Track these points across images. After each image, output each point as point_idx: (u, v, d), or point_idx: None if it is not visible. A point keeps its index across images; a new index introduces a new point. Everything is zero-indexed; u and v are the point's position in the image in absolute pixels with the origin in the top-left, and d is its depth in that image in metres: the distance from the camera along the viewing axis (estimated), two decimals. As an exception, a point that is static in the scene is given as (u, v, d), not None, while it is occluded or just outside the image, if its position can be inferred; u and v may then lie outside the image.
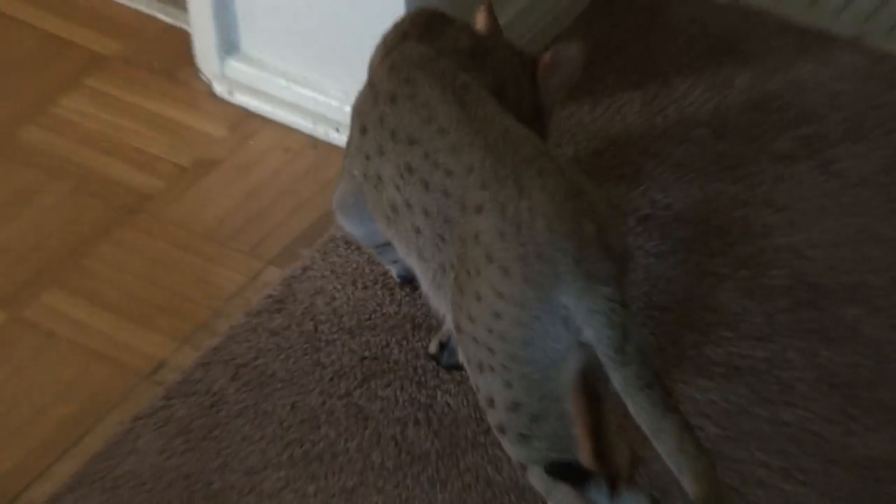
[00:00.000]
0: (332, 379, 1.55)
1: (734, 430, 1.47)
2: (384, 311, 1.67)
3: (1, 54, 2.07)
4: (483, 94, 1.34)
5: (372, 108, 1.42)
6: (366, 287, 1.76)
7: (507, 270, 1.19)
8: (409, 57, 1.42)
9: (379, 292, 1.73)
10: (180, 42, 2.00)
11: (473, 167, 1.26)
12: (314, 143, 1.91)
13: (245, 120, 1.95)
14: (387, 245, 1.49)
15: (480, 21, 1.51)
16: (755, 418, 1.48)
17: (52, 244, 1.77)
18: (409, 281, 1.60)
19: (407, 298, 1.66)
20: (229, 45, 1.99)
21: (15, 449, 1.43)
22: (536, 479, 1.30)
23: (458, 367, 1.44)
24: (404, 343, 1.59)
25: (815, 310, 1.65)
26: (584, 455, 1.28)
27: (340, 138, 1.73)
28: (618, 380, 1.15)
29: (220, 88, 1.97)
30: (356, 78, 1.58)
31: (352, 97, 1.58)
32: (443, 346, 1.55)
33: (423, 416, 1.52)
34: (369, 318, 1.67)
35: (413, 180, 1.31)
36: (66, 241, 1.79)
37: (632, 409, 1.15)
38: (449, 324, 1.38)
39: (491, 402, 1.27)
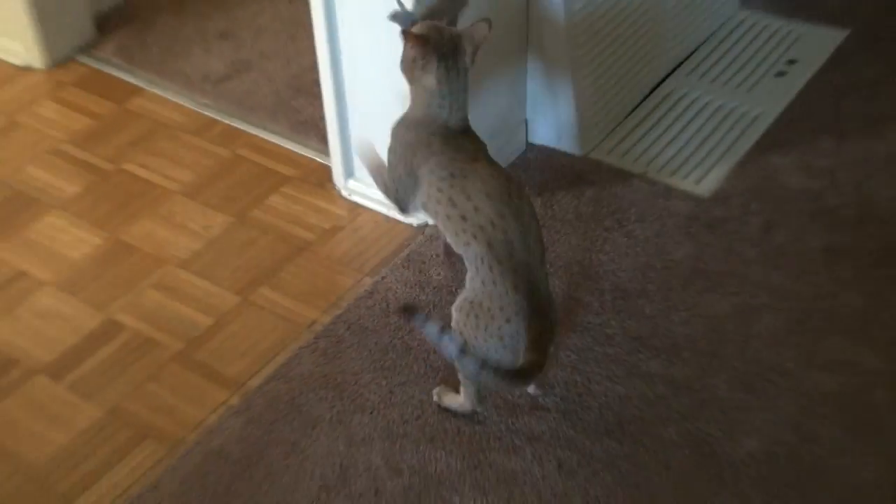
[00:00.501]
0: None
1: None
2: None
3: (237, 176, 2.74)
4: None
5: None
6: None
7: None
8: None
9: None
10: (326, 169, 2.66)
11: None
12: (386, 219, 2.55)
13: (357, 208, 2.60)
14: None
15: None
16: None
17: (259, 259, 2.47)
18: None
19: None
20: (349, 171, 2.63)
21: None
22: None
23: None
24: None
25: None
26: None
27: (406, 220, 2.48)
28: None
29: (344, 193, 2.64)
30: None
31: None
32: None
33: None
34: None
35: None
36: (263, 262, 2.45)
37: None
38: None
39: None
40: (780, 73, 2.81)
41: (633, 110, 2.73)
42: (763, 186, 2.49)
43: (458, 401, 2.00)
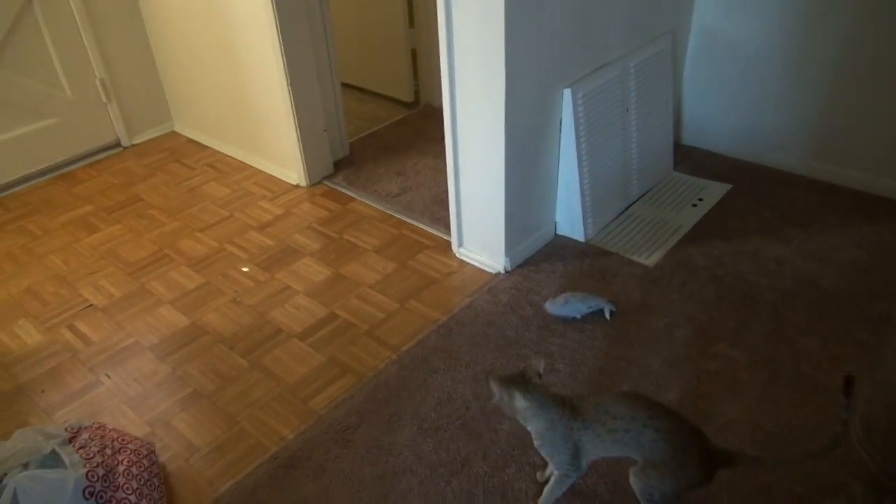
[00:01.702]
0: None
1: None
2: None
3: (401, 244, 2.59)
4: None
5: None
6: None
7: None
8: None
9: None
10: (448, 242, 2.57)
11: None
12: (479, 270, 2.45)
13: (464, 263, 2.49)
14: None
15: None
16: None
17: (410, 286, 2.38)
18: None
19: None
20: (460, 243, 2.51)
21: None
22: None
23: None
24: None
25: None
26: None
27: (496, 266, 2.39)
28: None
29: (457, 255, 2.52)
30: (498, 254, 2.33)
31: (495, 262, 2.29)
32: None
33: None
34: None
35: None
36: (412, 287, 2.38)
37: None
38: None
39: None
40: (694, 205, 2.72)
41: (613, 219, 2.69)
42: (682, 262, 2.42)
43: None
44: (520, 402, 1.37)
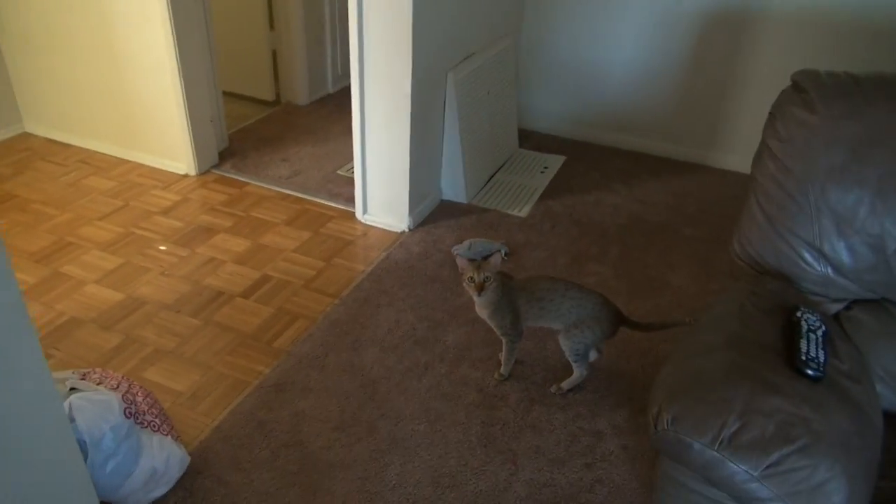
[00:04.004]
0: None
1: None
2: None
3: (307, 217, 2.76)
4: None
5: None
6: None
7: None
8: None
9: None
10: (351, 212, 2.80)
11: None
12: (385, 231, 2.70)
13: (372, 228, 2.74)
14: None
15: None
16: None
17: (330, 248, 2.59)
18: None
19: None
20: (365, 209, 2.75)
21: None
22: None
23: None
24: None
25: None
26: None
27: (400, 226, 2.64)
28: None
29: (363, 220, 2.75)
30: (402, 216, 2.57)
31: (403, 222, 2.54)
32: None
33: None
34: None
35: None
36: (332, 249, 2.60)
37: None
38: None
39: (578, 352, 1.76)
40: (542, 171, 3.23)
41: (484, 184, 3.08)
42: (547, 212, 2.88)
43: (575, 378, 1.91)
44: (496, 261, 1.68)
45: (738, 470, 0.99)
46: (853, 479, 0.97)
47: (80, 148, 3.31)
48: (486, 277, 1.69)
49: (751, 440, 0.98)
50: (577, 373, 1.87)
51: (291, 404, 1.92)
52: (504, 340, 1.88)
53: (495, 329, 1.85)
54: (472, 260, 1.74)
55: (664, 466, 1.16)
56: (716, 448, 1.00)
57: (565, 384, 1.91)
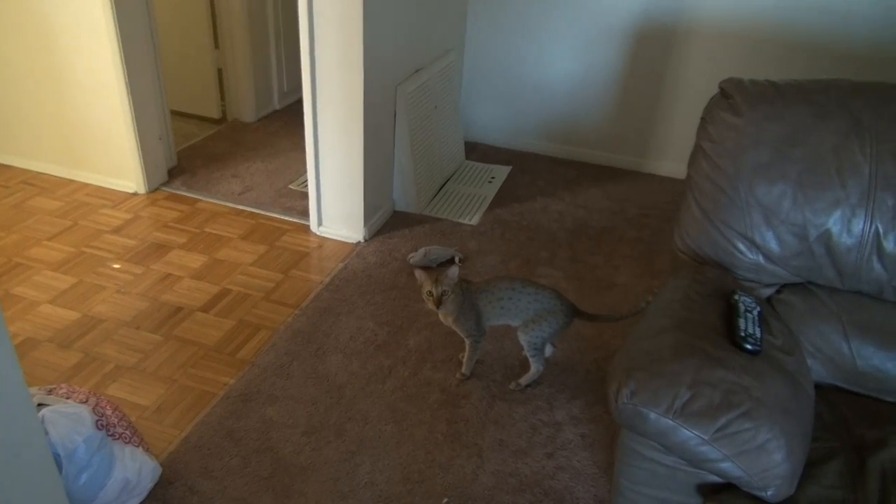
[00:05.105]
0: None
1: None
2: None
3: (262, 231, 2.78)
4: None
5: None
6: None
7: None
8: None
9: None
10: (306, 225, 2.82)
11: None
12: (341, 243, 2.73)
13: (327, 240, 2.76)
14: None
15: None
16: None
17: (285, 260, 2.61)
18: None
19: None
20: (320, 221, 2.77)
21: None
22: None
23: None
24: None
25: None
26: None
27: (355, 237, 2.67)
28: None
29: (318, 232, 2.77)
30: (357, 227, 2.59)
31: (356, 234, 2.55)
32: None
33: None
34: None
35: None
36: (288, 261, 2.61)
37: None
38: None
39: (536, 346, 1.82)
40: (489, 181, 3.33)
41: (435, 195, 3.13)
42: (496, 219, 2.96)
43: (532, 373, 1.96)
44: (453, 274, 1.73)
45: (691, 435, 1.09)
46: (791, 438, 1.08)
47: (23, 169, 3.25)
48: (444, 291, 1.74)
49: (700, 408, 1.09)
50: (535, 368, 1.93)
51: (259, 412, 1.95)
52: (468, 342, 1.93)
53: (460, 332, 1.90)
54: (429, 270, 1.80)
55: (624, 439, 1.26)
56: (670, 416, 1.10)
57: (523, 380, 1.97)
